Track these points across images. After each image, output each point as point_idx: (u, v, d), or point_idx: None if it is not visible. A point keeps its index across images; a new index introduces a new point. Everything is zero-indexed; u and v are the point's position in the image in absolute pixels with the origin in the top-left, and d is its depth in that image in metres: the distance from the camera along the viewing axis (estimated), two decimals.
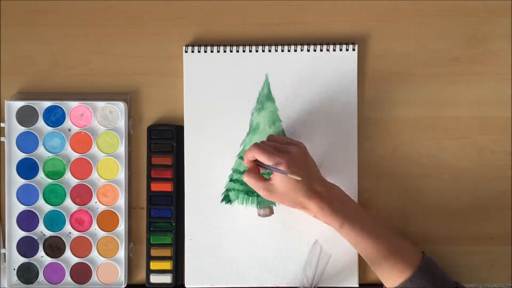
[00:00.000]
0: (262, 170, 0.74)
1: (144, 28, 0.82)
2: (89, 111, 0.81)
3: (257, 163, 0.74)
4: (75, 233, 0.81)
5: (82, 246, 0.81)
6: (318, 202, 0.72)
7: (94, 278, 0.81)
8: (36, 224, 0.81)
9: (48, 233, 0.81)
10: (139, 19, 0.82)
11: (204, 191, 0.80)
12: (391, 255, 0.71)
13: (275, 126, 0.80)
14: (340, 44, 0.80)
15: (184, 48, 0.81)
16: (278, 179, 0.72)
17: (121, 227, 0.81)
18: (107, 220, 0.81)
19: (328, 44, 0.80)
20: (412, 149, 0.81)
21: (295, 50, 0.80)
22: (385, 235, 0.73)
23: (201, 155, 0.81)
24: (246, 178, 0.74)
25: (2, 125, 0.81)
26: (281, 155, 0.71)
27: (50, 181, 0.81)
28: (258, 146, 0.72)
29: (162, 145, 0.81)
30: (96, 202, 0.81)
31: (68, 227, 0.81)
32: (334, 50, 0.80)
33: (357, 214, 0.73)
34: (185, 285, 0.81)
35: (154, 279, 0.81)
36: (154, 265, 0.80)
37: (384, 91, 0.81)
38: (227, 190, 0.81)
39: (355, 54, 0.80)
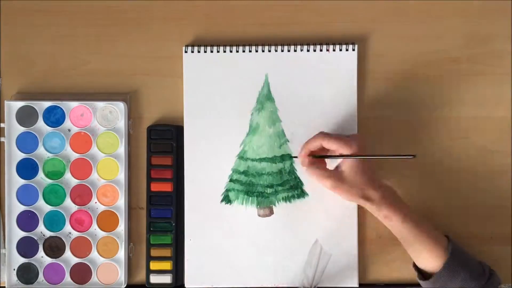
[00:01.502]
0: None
1: (144, 28, 0.82)
2: (89, 111, 0.81)
3: (314, 156, 0.74)
4: (75, 233, 0.81)
5: (82, 246, 0.81)
6: (383, 192, 0.72)
7: (94, 278, 0.81)
8: (36, 224, 0.81)
9: (48, 233, 0.81)
10: (139, 19, 0.82)
11: (204, 191, 0.80)
12: (426, 240, 0.72)
13: (275, 126, 0.80)
14: (340, 44, 0.80)
15: (184, 48, 0.81)
16: (348, 166, 0.72)
17: (121, 227, 0.81)
18: (107, 220, 0.81)
19: (328, 44, 0.80)
20: (412, 149, 0.81)
21: (295, 50, 0.80)
22: (422, 223, 0.73)
23: (201, 155, 0.81)
24: (310, 171, 0.73)
25: (2, 125, 0.81)
26: (352, 139, 0.71)
27: (50, 181, 0.81)
28: (326, 133, 0.73)
29: (162, 145, 0.81)
30: (96, 202, 0.81)
31: (68, 227, 0.81)
32: (334, 50, 0.80)
33: (414, 213, 0.74)
34: (185, 285, 0.81)
35: (154, 279, 0.81)
36: (154, 265, 0.80)
37: (384, 91, 0.81)
38: (227, 190, 0.81)
39: (355, 54, 0.80)
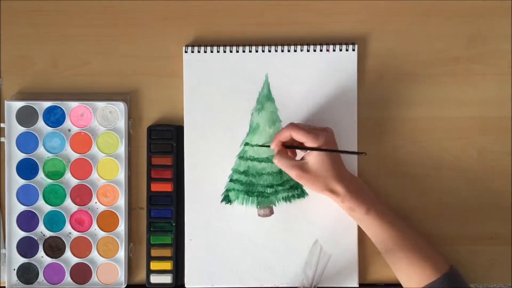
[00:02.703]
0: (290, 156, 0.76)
1: (144, 28, 0.82)
2: (89, 111, 0.81)
3: (286, 147, 0.75)
4: (75, 233, 0.81)
5: (82, 246, 0.81)
6: (347, 185, 0.73)
7: (94, 278, 0.81)
8: (36, 224, 0.81)
9: (48, 233, 0.81)
10: (139, 19, 0.82)
11: (204, 191, 0.80)
12: (416, 256, 0.72)
13: (275, 126, 0.80)
14: (340, 44, 0.80)
15: (184, 48, 0.81)
16: (313, 158, 0.73)
17: (121, 227, 0.81)
18: (107, 220, 0.81)
19: (328, 44, 0.80)
20: (412, 149, 0.81)
21: (295, 50, 0.80)
22: (408, 231, 0.74)
23: (201, 155, 0.81)
24: (277, 159, 0.75)
25: (2, 125, 0.81)
26: (319, 133, 0.73)
27: (50, 181, 0.81)
28: (295, 124, 0.74)
29: (162, 145, 0.81)
30: (96, 202, 0.81)
31: (68, 227, 0.81)
32: (334, 50, 0.80)
33: (381, 204, 0.75)
34: (185, 285, 0.81)
35: (154, 279, 0.81)
36: (154, 265, 0.80)
37: (384, 91, 0.81)
38: (227, 190, 0.81)
39: (355, 54, 0.80)
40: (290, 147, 0.76)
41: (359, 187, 0.75)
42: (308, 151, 0.74)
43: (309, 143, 0.73)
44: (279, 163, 0.75)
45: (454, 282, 0.71)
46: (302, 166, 0.73)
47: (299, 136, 0.73)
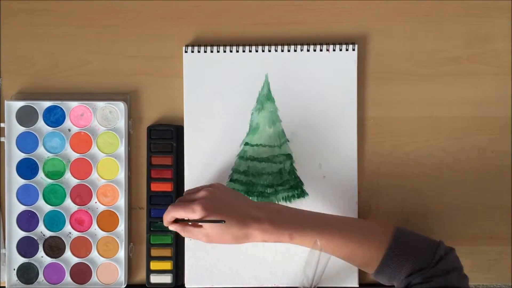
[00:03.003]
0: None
1: (144, 28, 0.82)
2: (89, 111, 0.81)
3: (177, 221, 0.73)
4: (75, 233, 0.81)
5: (82, 246, 0.81)
6: (257, 226, 0.70)
7: (94, 278, 0.81)
8: (36, 224, 0.81)
9: (48, 233, 0.81)
10: (139, 19, 0.82)
11: None
12: (359, 242, 0.70)
13: (275, 126, 0.80)
14: (340, 44, 0.80)
15: (184, 48, 0.81)
16: (207, 224, 0.71)
17: (121, 227, 0.81)
18: (107, 220, 0.81)
19: (328, 44, 0.80)
20: (412, 149, 0.81)
21: (295, 50, 0.80)
22: (347, 225, 0.71)
23: (201, 155, 0.81)
24: (185, 234, 0.73)
25: (2, 125, 0.81)
26: (194, 203, 0.70)
27: (50, 181, 0.81)
28: (173, 205, 0.72)
29: (162, 145, 0.81)
30: (96, 202, 0.81)
31: (68, 227, 0.81)
32: (334, 50, 0.80)
33: (305, 218, 0.72)
34: (185, 285, 0.81)
35: (154, 279, 0.81)
36: (154, 265, 0.80)
37: (384, 91, 0.81)
38: None
39: (355, 54, 0.80)
40: (181, 220, 0.73)
41: (273, 215, 0.71)
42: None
43: (190, 217, 0.71)
44: (188, 235, 0.73)
45: (404, 239, 0.69)
46: (206, 233, 0.71)
47: (179, 214, 0.72)
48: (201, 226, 0.72)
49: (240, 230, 0.70)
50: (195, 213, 0.70)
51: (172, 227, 0.73)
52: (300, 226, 0.71)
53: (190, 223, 0.73)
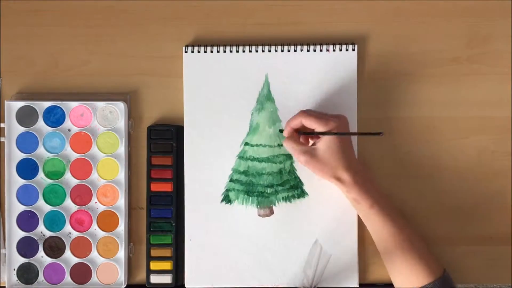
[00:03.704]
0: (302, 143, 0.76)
1: (144, 28, 0.82)
2: (89, 111, 0.81)
3: (299, 133, 0.75)
4: (75, 233, 0.81)
5: (82, 246, 0.81)
6: (354, 175, 0.72)
7: (94, 278, 0.81)
8: (36, 224, 0.81)
9: (48, 233, 0.81)
10: (139, 19, 0.82)
11: (204, 191, 0.80)
12: (414, 258, 0.72)
13: (275, 126, 0.80)
14: (340, 44, 0.80)
15: (184, 48, 0.81)
16: (323, 144, 0.72)
17: (121, 227, 0.81)
18: (107, 220, 0.81)
19: (328, 44, 0.80)
20: (412, 149, 0.81)
21: (295, 50, 0.80)
22: (407, 231, 0.73)
23: (201, 155, 0.81)
24: (286, 143, 0.75)
25: (2, 125, 0.81)
26: (330, 118, 0.73)
27: (50, 181, 0.81)
28: (305, 111, 0.74)
29: (162, 145, 0.81)
30: (96, 202, 0.81)
31: (68, 227, 0.81)
32: (334, 50, 0.80)
33: (386, 200, 0.74)
34: (185, 285, 0.81)
35: (154, 279, 0.81)
36: (154, 265, 0.80)
37: (384, 91, 0.81)
38: (227, 190, 0.81)
39: (355, 54, 0.80)
40: (302, 133, 0.75)
41: (367, 179, 0.74)
42: (319, 137, 0.73)
43: (319, 128, 0.72)
44: (288, 147, 0.75)
45: (445, 287, 0.71)
46: (310, 152, 0.73)
47: (309, 122, 0.73)
48: (307, 146, 0.74)
49: (342, 167, 0.72)
50: (327, 126, 0.72)
51: (287, 134, 0.75)
52: (382, 204, 0.73)
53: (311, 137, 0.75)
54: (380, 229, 0.73)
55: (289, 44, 0.80)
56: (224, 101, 0.81)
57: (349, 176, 0.72)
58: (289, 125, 0.75)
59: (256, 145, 0.80)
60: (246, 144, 0.81)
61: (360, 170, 0.74)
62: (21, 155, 0.81)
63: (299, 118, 0.74)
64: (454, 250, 0.80)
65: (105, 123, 0.81)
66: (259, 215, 0.81)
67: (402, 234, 0.73)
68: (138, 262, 0.82)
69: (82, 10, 0.82)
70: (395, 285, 0.74)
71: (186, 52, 0.81)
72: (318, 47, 0.80)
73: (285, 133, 0.76)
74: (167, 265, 0.80)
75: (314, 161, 0.73)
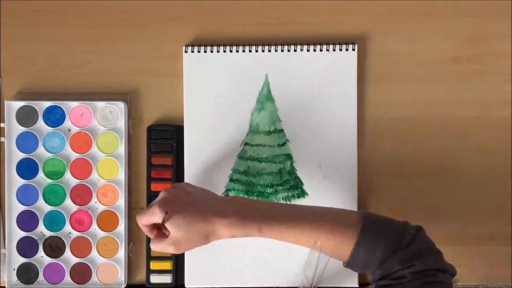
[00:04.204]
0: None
1: (144, 28, 0.82)
2: (89, 111, 0.81)
3: (152, 228, 0.71)
4: (75, 233, 0.81)
5: (82, 246, 0.81)
6: (222, 220, 0.67)
7: (94, 278, 0.81)
8: (36, 224, 0.81)
9: (48, 233, 0.81)
10: (139, 19, 0.82)
11: None
12: (330, 231, 0.67)
13: (275, 126, 0.80)
14: (340, 44, 0.80)
15: (184, 48, 0.81)
16: (170, 228, 0.68)
17: (121, 227, 0.81)
18: (107, 220, 0.81)
19: (328, 44, 0.80)
20: (412, 149, 0.81)
21: (295, 50, 0.80)
22: (317, 215, 0.69)
23: (201, 155, 0.81)
24: (153, 246, 0.70)
25: (2, 125, 0.81)
26: (152, 205, 0.69)
27: (50, 181, 0.81)
28: (137, 214, 0.71)
29: (162, 145, 0.81)
30: (96, 202, 0.81)
31: (68, 227, 0.81)
32: (334, 50, 0.80)
33: (274, 210, 0.69)
34: (185, 285, 0.81)
35: (154, 279, 0.81)
36: (154, 265, 0.80)
37: (384, 91, 0.81)
38: (227, 190, 0.81)
39: (355, 54, 0.80)
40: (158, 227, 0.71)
41: (239, 209, 0.68)
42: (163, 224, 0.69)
43: (158, 220, 0.68)
44: (162, 249, 0.70)
45: (372, 224, 0.66)
46: (173, 241, 0.68)
47: (144, 221, 0.69)
48: (166, 236, 0.69)
49: (205, 226, 0.67)
50: (155, 215, 0.68)
51: (152, 234, 0.71)
52: (269, 219, 0.67)
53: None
54: (292, 241, 0.69)
55: (289, 44, 0.80)
56: (224, 101, 0.81)
57: (220, 225, 0.67)
58: (145, 226, 0.71)
59: (256, 145, 0.80)
60: (246, 144, 0.81)
61: (226, 207, 0.68)
62: (21, 155, 0.81)
63: (138, 222, 0.70)
64: (455, 250, 0.80)
65: (105, 123, 0.81)
66: None
67: (304, 230, 0.68)
68: (138, 262, 0.82)
69: (82, 10, 0.82)
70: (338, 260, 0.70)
71: (186, 52, 0.81)
72: (318, 47, 0.80)
73: (150, 235, 0.71)
74: (167, 265, 0.80)
75: (182, 245, 0.68)
